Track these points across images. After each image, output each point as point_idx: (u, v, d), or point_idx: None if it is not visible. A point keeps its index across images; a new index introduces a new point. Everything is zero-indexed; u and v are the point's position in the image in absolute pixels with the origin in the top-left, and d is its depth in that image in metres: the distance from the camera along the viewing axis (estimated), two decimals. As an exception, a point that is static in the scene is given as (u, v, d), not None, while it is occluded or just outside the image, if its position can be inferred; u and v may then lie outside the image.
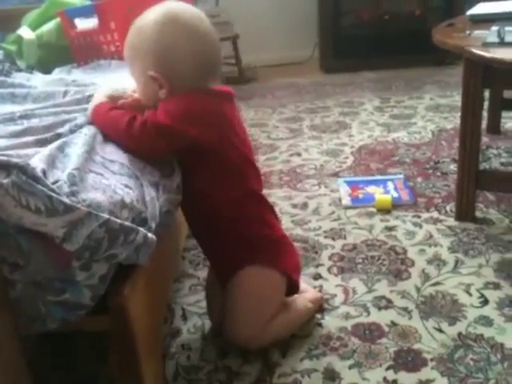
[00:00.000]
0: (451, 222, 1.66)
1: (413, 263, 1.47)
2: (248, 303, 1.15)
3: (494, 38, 1.46)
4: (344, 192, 1.89)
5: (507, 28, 1.47)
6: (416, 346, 1.17)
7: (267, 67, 3.82)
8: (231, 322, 1.17)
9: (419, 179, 1.97)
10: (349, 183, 1.95)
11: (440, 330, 1.21)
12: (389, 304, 1.31)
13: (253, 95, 3.28)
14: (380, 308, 1.31)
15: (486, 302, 1.29)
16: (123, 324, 0.87)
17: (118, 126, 1.02)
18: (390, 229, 1.65)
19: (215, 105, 1.10)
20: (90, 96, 1.17)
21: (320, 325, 1.27)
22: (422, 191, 1.87)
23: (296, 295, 1.26)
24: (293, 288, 1.23)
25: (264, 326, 1.17)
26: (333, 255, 1.54)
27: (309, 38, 3.84)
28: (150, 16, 1.08)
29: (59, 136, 0.97)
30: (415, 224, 1.67)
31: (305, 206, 1.85)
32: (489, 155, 2.09)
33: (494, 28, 1.52)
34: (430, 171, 2.03)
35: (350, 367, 1.14)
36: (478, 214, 1.67)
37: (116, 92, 1.13)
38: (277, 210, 1.25)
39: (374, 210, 1.77)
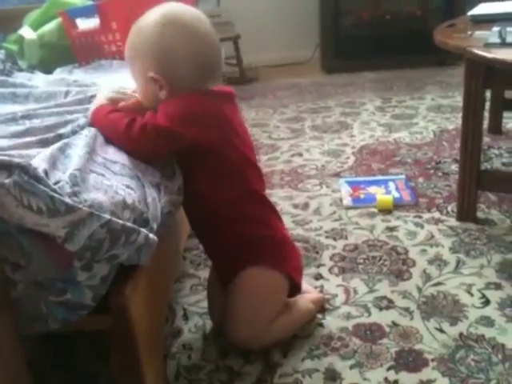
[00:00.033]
0: (453, 222, 1.66)
1: (414, 263, 1.47)
2: (249, 304, 1.15)
3: (496, 39, 1.46)
4: (345, 192, 1.89)
5: (508, 28, 1.47)
6: (417, 347, 1.17)
7: (268, 67, 3.82)
8: (232, 322, 1.17)
9: (420, 179, 1.97)
10: (350, 183, 1.95)
11: (441, 331, 1.21)
12: (390, 304, 1.31)
13: (254, 95, 3.28)
14: (381, 308, 1.30)
15: (487, 302, 1.29)
16: (124, 324, 0.87)
17: (118, 128, 1.02)
18: (392, 229, 1.65)
19: (215, 105, 1.10)
20: (92, 96, 1.17)
21: (321, 325, 1.27)
22: (423, 191, 1.87)
23: (297, 296, 1.26)
24: (295, 289, 1.23)
25: (265, 326, 1.17)
26: (334, 255, 1.54)
27: (310, 38, 3.84)
28: (151, 17, 1.08)
29: (61, 136, 0.97)
30: (416, 224, 1.66)
31: (306, 206, 1.85)
32: (490, 155, 2.09)
33: (496, 28, 1.52)
34: (432, 171, 2.03)
35: (351, 367, 1.14)
36: (480, 214, 1.67)
37: (117, 94, 1.13)
38: (278, 209, 1.25)
39: (375, 210, 1.77)
